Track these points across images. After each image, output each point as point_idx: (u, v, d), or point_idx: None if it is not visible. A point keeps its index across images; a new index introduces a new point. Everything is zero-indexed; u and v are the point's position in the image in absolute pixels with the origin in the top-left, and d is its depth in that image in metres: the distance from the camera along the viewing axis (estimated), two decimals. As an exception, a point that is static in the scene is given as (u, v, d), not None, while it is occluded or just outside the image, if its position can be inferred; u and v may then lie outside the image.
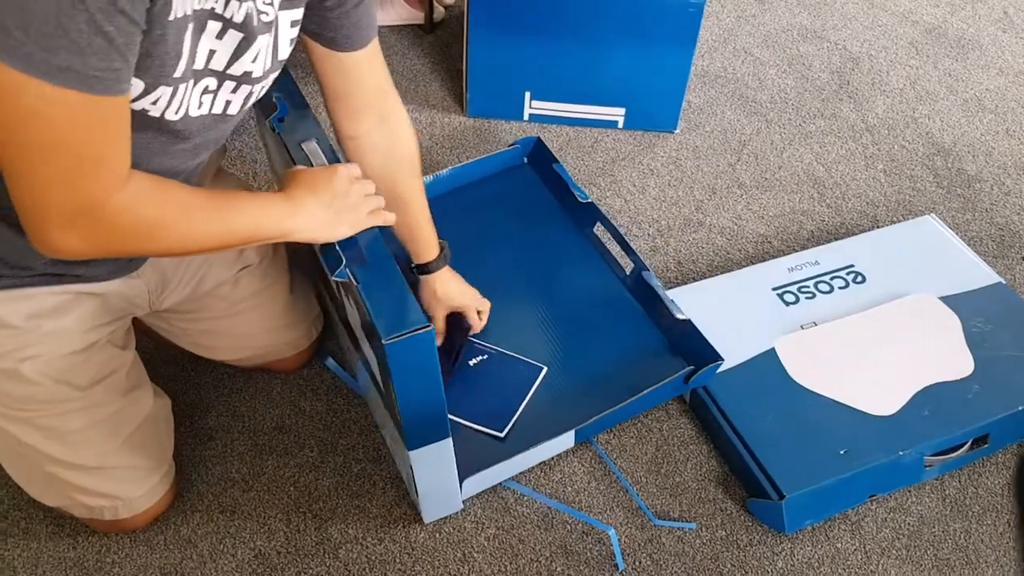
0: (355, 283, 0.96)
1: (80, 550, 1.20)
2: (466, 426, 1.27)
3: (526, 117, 1.86)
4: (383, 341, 0.90)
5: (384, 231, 1.05)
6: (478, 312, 1.36)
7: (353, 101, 1.10)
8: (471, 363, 1.34)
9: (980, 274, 1.47)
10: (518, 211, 1.59)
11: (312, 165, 1.06)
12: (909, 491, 1.26)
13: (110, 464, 1.13)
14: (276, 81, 0.99)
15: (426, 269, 1.27)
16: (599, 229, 1.51)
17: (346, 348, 1.38)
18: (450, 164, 1.62)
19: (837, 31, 2.14)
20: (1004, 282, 1.46)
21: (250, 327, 1.29)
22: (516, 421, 1.27)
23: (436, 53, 2.03)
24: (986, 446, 1.28)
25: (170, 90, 0.81)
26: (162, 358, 1.40)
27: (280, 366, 1.39)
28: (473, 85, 1.82)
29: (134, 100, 0.79)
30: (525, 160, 1.68)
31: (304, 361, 1.40)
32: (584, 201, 1.50)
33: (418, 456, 1.08)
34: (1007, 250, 1.62)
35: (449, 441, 1.08)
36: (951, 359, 1.34)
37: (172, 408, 1.24)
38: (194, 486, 1.27)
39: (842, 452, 1.22)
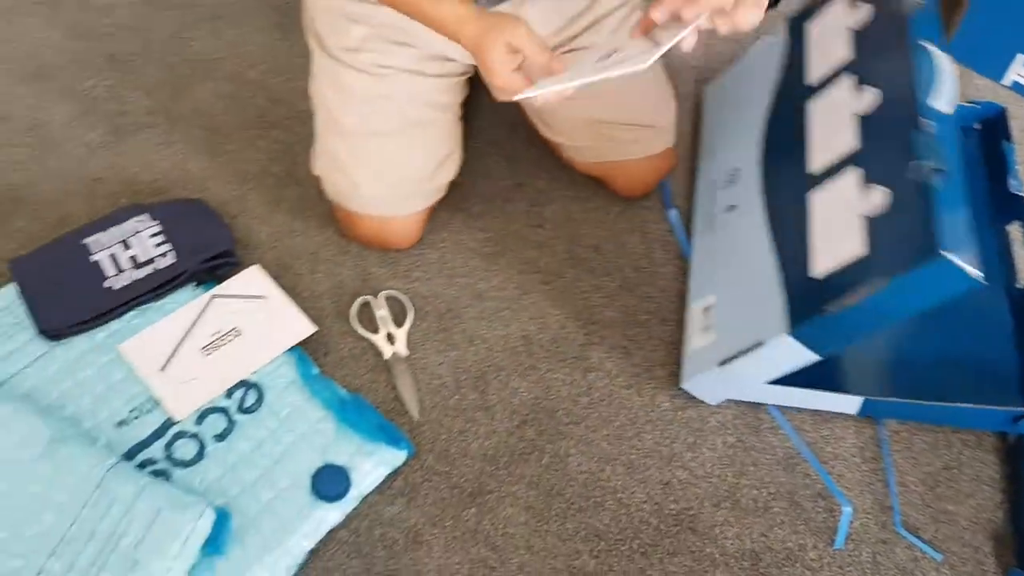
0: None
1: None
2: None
3: (1007, 81, 1.61)
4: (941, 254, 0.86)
5: None
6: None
7: None
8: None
9: None
10: None
11: None
12: None
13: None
14: None
15: None
16: (1013, 227, 1.31)
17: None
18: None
19: None
20: None
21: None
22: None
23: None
24: None
25: None
26: (507, 150, 1.44)
27: (624, 183, 1.39)
28: (967, 22, 1.60)
29: None
30: (977, 125, 1.47)
31: (650, 185, 1.39)
32: (1016, 193, 1.30)
33: (780, 343, 1.04)
34: None
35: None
36: None
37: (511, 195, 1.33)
38: (509, 263, 1.35)
39: None
